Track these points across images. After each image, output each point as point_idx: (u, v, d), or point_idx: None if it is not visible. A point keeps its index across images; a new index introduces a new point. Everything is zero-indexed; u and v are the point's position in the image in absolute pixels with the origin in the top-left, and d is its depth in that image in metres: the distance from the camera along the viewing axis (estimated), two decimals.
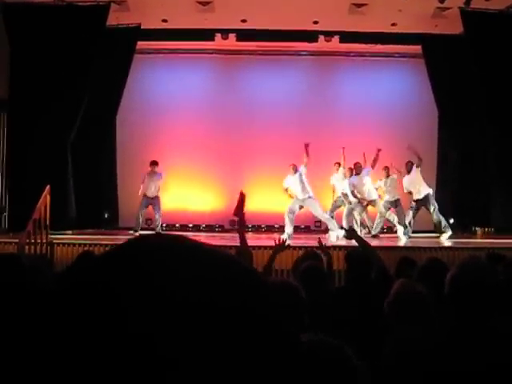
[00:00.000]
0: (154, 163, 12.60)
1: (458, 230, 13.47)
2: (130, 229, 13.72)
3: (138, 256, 0.59)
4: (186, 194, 12.94)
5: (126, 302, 0.54)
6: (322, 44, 14.79)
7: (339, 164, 13.35)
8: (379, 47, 15.00)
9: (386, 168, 12.96)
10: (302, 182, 11.78)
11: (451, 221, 14.50)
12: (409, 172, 12.33)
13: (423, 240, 12.01)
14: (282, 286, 2.84)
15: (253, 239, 12.38)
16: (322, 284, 4.21)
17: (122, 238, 11.95)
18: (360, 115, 15.34)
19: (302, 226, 14.75)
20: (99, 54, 12.83)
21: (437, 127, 15.19)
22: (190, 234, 12.87)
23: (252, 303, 0.57)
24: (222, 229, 14.71)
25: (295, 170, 11.91)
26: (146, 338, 0.52)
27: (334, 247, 9.93)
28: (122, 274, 0.56)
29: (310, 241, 11.39)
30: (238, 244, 4.94)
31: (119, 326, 0.52)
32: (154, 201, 12.48)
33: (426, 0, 12.84)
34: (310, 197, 11.79)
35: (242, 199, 4.97)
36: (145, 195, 12.50)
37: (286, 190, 12.07)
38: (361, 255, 4.62)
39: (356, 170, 12.46)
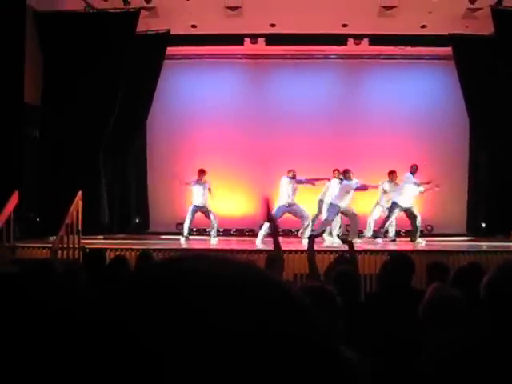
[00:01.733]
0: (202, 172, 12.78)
1: (491, 234, 13.30)
2: (161, 233, 13.81)
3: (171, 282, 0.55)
4: (216, 199, 12.95)
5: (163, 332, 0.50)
6: (351, 47, 14.72)
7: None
8: (409, 49, 14.88)
9: (393, 172, 12.88)
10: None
11: (483, 225, 14.33)
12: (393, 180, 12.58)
13: (452, 244, 11.91)
14: (318, 292, 2.82)
15: (283, 243, 12.33)
16: (356, 289, 4.18)
17: (152, 243, 12.05)
18: (390, 118, 15.23)
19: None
20: (130, 60, 12.93)
21: (468, 130, 15.02)
22: (220, 239, 12.91)
23: (292, 327, 0.53)
24: (253, 233, 14.69)
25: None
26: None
27: (360, 251, 9.90)
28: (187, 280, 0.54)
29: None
30: (269, 248, 4.92)
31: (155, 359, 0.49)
32: (203, 209, 12.69)
33: (457, 0, 12.71)
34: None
35: (266, 204, 4.96)
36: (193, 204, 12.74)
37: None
38: (400, 261, 4.56)
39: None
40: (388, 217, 12.52)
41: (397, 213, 12.41)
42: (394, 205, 12.40)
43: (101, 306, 0.55)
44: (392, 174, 12.98)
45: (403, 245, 12.14)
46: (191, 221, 12.73)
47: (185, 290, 0.53)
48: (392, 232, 12.98)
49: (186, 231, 12.61)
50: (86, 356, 0.51)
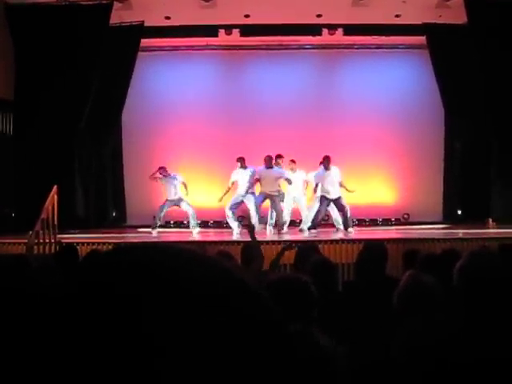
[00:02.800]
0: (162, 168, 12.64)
1: (467, 222, 13.44)
2: (138, 227, 13.75)
3: (140, 257, 0.60)
4: (192, 192, 12.92)
5: (134, 300, 0.55)
6: (325, 37, 14.74)
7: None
8: (383, 39, 14.93)
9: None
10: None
11: (459, 212, 14.48)
12: (327, 169, 11.94)
13: (428, 232, 12.01)
14: (292, 281, 2.83)
15: (261, 235, 12.38)
16: (332, 278, 4.20)
17: (129, 237, 12.02)
18: (365, 107, 15.29)
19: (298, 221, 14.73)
20: (103, 53, 12.83)
21: (443, 119, 15.14)
22: (200, 230, 12.87)
23: (234, 302, 0.57)
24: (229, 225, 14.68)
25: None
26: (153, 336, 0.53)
27: (338, 241, 9.95)
28: (128, 271, 0.58)
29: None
30: (246, 239, 4.93)
31: (129, 325, 0.53)
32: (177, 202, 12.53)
33: None
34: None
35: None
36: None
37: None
38: (374, 249, 4.60)
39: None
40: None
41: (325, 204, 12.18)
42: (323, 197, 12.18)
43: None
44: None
45: (381, 233, 12.22)
46: (163, 215, 12.63)
47: (118, 281, 0.56)
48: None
49: (158, 223, 12.47)
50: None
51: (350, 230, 11.74)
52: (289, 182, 12.14)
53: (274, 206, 12.17)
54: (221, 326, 0.55)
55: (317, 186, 11.85)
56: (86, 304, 0.55)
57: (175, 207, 12.60)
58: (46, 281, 3.36)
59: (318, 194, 11.93)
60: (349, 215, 11.92)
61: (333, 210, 12.30)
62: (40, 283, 3.20)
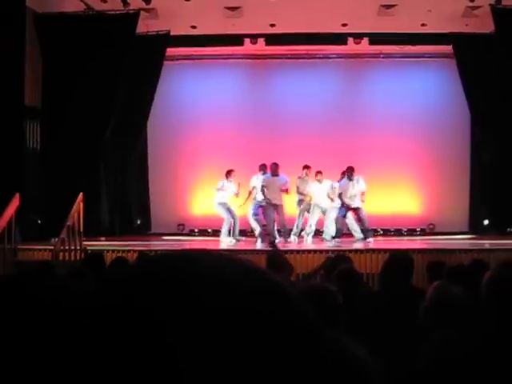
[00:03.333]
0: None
1: (493, 232, 13.29)
2: (163, 234, 13.79)
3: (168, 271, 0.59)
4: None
5: (161, 313, 0.54)
6: (351, 46, 14.70)
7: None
8: (409, 48, 14.85)
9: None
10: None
11: (485, 222, 14.31)
12: (350, 179, 12.03)
13: (454, 242, 11.90)
14: (319, 290, 2.82)
15: (284, 244, 12.39)
16: (357, 287, 4.17)
17: (153, 244, 12.06)
18: (390, 116, 15.22)
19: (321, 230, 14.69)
20: (129, 61, 12.92)
21: (470, 128, 15.00)
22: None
23: (272, 310, 0.58)
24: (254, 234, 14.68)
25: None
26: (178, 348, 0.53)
27: (362, 250, 9.91)
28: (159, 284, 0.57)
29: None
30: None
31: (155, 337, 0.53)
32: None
33: None
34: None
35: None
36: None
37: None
38: (400, 259, 4.55)
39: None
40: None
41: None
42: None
43: (101, 295, 0.59)
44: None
45: (406, 243, 12.14)
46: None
47: (173, 284, 0.56)
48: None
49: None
50: (87, 346, 0.54)
51: (369, 239, 11.74)
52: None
53: (278, 214, 12.19)
54: (265, 341, 0.55)
55: (340, 195, 11.84)
56: (114, 318, 0.55)
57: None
58: (72, 289, 3.37)
59: (338, 203, 11.91)
60: (367, 225, 11.92)
61: (350, 220, 12.27)
62: (66, 291, 3.22)
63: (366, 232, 11.92)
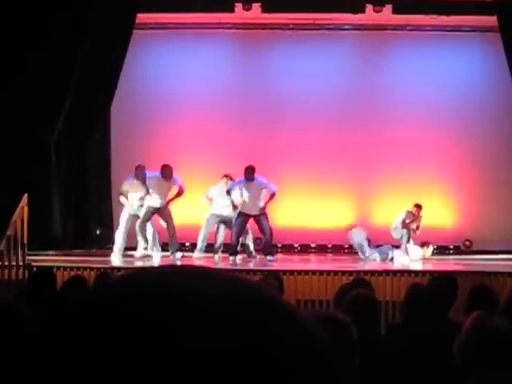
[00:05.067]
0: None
1: None
2: (127, 249, 13.75)
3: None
4: (189, 205, 13.05)
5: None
6: (370, 15, 14.73)
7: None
8: (443, 19, 14.87)
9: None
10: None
11: None
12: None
13: (496, 263, 11.95)
14: (328, 321, 2.81)
15: (283, 262, 12.43)
16: (374, 318, 4.17)
17: (116, 261, 12.02)
18: (418, 104, 15.23)
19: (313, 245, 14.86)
20: (90, 30, 12.91)
21: None
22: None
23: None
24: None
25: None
26: None
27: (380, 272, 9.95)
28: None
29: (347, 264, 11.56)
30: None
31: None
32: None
33: None
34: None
35: None
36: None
37: None
38: (442, 284, 4.57)
39: None
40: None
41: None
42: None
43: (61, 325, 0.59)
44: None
45: (436, 264, 12.19)
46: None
47: (151, 309, 0.57)
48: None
49: (199, 244, 12.74)
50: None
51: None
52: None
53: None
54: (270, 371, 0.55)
55: None
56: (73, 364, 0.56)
57: None
58: (19, 318, 3.33)
59: None
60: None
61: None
62: (10, 321, 3.17)
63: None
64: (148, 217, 12.42)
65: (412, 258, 12.46)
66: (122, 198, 12.69)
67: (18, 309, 3.40)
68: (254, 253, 12.50)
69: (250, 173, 12.32)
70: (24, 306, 3.81)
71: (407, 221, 12.95)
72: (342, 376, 0.61)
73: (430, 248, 12.84)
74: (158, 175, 12.39)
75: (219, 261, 12.16)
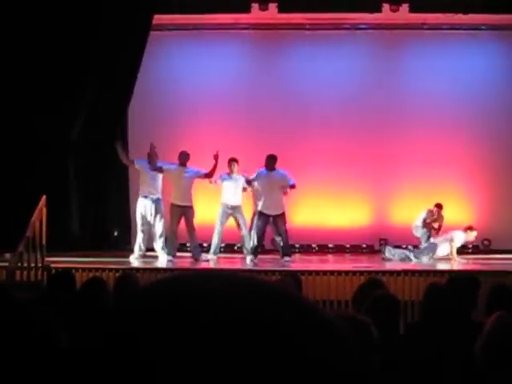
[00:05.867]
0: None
1: None
2: (146, 250, 13.78)
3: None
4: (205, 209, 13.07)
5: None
6: (386, 15, 14.70)
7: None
8: (461, 17, 14.80)
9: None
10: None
11: None
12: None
13: None
14: (348, 321, 2.80)
15: (301, 262, 12.42)
16: (395, 318, 4.17)
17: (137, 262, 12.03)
18: (436, 106, 15.19)
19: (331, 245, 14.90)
20: (105, 32, 12.94)
21: None
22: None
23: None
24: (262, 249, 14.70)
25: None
26: None
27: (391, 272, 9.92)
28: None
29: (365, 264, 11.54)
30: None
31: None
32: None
33: None
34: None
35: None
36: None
37: None
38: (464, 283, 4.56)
39: None
40: None
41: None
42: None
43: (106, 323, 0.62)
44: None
45: (454, 263, 12.15)
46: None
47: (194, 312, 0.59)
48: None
49: (213, 247, 12.47)
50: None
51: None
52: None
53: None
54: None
55: None
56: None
57: None
58: (37, 317, 3.33)
59: None
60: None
61: None
62: (35, 325, 3.18)
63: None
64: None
65: (439, 254, 12.38)
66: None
67: (33, 309, 3.41)
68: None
69: (271, 162, 12.23)
70: (42, 307, 3.82)
71: (428, 220, 12.93)
72: (365, 366, 0.63)
73: (474, 233, 12.70)
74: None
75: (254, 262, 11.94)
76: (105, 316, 0.63)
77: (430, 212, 13.10)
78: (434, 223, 13.00)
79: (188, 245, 12.93)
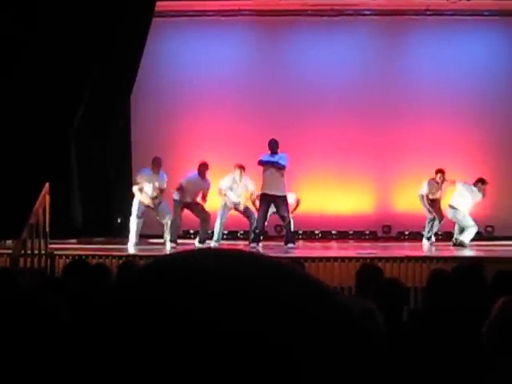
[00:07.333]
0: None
1: None
2: (149, 236, 13.80)
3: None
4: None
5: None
6: (389, 0, 14.67)
7: None
8: (464, 2, 14.76)
9: None
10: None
11: None
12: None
13: None
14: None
15: (305, 249, 12.44)
16: (401, 305, 4.16)
17: (137, 248, 12.04)
18: (439, 92, 15.16)
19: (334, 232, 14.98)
20: (107, 18, 12.91)
21: None
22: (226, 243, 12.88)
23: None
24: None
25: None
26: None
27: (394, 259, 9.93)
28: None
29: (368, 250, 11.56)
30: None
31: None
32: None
33: None
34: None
35: None
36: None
37: None
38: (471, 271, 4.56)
39: None
40: None
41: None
42: None
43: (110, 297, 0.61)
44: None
45: (457, 250, 12.17)
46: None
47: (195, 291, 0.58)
48: None
49: (216, 235, 12.64)
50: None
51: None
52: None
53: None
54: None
55: None
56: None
57: None
58: (43, 303, 3.34)
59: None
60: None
61: None
62: (35, 306, 3.18)
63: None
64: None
65: (465, 240, 12.35)
66: (135, 189, 12.65)
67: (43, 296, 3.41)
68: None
69: (274, 146, 12.27)
70: (53, 293, 3.84)
71: (430, 195, 12.78)
72: (377, 349, 0.63)
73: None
74: (196, 175, 12.58)
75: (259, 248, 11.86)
76: (108, 289, 0.64)
77: (433, 181, 13.03)
78: (436, 193, 12.83)
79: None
